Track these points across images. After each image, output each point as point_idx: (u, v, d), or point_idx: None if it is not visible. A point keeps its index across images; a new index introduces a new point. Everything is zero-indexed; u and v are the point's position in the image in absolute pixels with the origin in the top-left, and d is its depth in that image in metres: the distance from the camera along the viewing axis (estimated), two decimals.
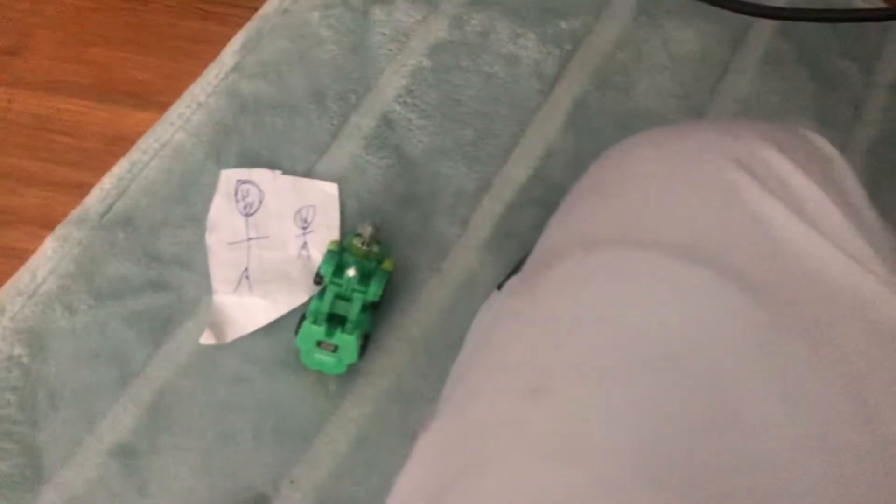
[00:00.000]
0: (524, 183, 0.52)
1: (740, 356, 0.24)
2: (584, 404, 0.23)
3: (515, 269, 0.39)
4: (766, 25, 0.58)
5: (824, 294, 0.26)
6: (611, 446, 0.22)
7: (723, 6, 0.50)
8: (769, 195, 0.27)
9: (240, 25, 0.56)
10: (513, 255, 0.49)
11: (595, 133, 0.54)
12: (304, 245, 0.48)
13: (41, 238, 0.48)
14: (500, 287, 0.41)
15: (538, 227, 0.51)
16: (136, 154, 0.50)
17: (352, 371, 0.46)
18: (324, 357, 0.44)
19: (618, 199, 0.30)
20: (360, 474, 0.44)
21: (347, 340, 0.43)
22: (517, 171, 0.52)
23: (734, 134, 0.30)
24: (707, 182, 0.28)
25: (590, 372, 0.24)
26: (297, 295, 0.47)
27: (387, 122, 0.53)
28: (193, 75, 0.54)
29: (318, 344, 0.43)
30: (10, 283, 0.46)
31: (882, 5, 0.59)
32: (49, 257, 0.47)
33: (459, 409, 0.27)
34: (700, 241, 0.26)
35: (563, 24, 0.57)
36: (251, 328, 0.46)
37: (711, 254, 0.26)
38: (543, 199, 0.51)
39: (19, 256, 0.48)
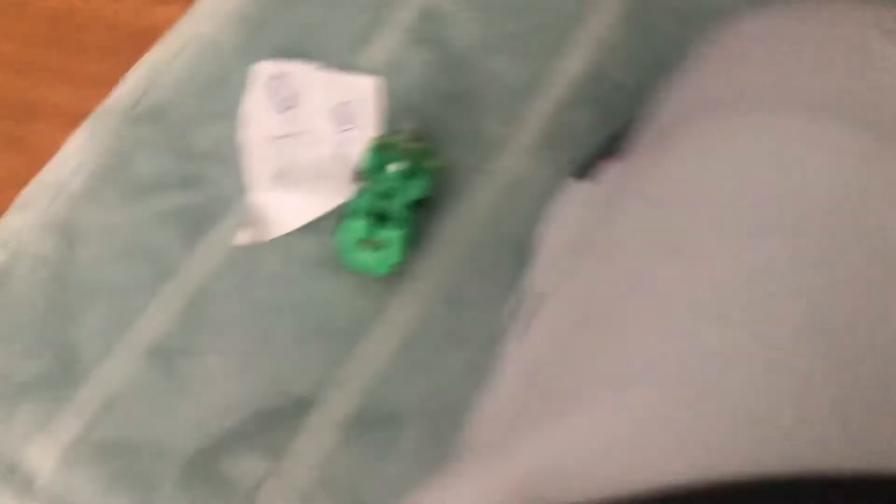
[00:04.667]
0: (577, 79, 0.48)
1: None
2: (734, 261, 0.20)
3: (600, 155, 0.36)
4: None
5: None
6: (770, 304, 0.19)
7: None
8: None
9: None
10: (566, 154, 0.46)
11: (653, 28, 0.50)
12: (342, 142, 0.46)
13: (66, 133, 0.46)
14: (578, 176, 0.38)
15: (592, 126, 0.48)
16: (161, 48, 0.47)
17: (395, 273, 0.43)
18: (366, 257, 0.42)
19: (743, 66, 0.27)
20: (407, 378, 0.42)
21: (391, 237, 0.41)
22: (569, 65, 0.49)
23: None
24: (843, 45, 0.25)
25: (738, 231, 0.21)
26: (336, 194, 0.44)
27: (429, 14, 0.49)
28: None
29: (360, 242, 0.41)
30: (37, 180, 0.44)
31: None
32: (77, 151, 0.44)
33: (580, 281, 0.25)
34: (837, 102, 0.23)
35: None
36: (289, 227, 0.44)
37: (852, 113, 0.23)
38: (598, 97, 0.48)
39: (45, 152, 0.46)
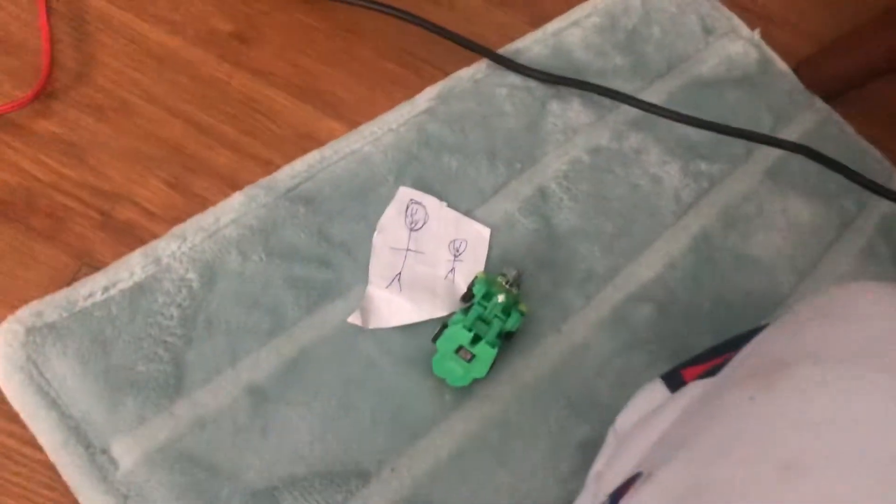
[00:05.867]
0: (646, 282, 0.58)
1: None
2: (842, 488, 0.23)
3: (687, 364, 0.44)
4: (871, 220, 0.67)
5: None
6: None
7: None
8: None
9: (431, 80, 0.64)
10: (623, 337, 0.55)
11: (712, 262, 0.60)
12: (452, 270, 0.54)
13: (224, 193, 0.54)
14: (666, 379, 0.45)
15: (649, 322, 0.56)
16: (328, 151, 0.57)
17: (468, 389, 0.50)
18: (454, 366, 0.48)
19: (846, 327, 0.32)
20: (453, 482, 0.47)
21: (487, 352, 0.47)
22: (642, 270, 0.58)
23: None
24: None
25: (845, 459, 0.24)
26: (440, 308, 0.52)
27: (542, 194, 0.59)
28: (384, 107, 0.62)
29: (457, 351, 0.48)
30: (196, 219, 0.51)
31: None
32: (235, 208, 0.52)
33: (694, 470, 0.29)
34: None
35: (704, 166, 0.65)
36: (393, 323, 0.50)
37: None
38: (659, 300, 0.57)
39: (202, 202, 0.53)
